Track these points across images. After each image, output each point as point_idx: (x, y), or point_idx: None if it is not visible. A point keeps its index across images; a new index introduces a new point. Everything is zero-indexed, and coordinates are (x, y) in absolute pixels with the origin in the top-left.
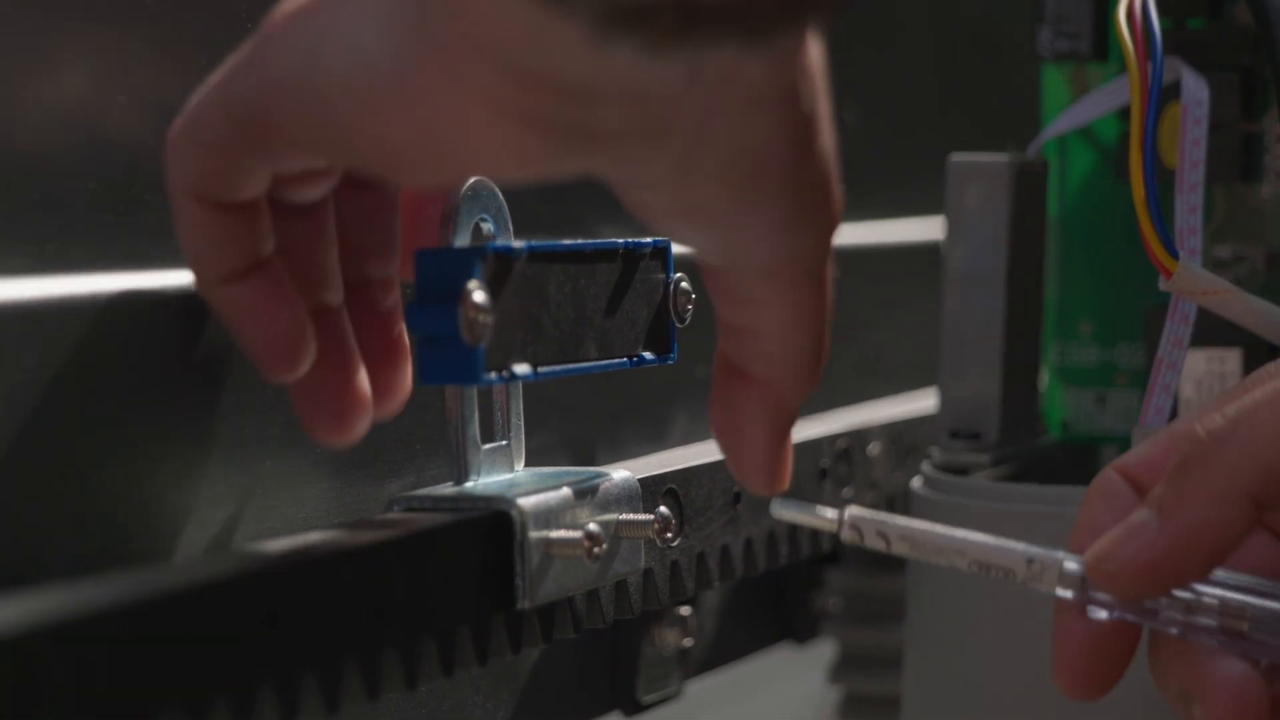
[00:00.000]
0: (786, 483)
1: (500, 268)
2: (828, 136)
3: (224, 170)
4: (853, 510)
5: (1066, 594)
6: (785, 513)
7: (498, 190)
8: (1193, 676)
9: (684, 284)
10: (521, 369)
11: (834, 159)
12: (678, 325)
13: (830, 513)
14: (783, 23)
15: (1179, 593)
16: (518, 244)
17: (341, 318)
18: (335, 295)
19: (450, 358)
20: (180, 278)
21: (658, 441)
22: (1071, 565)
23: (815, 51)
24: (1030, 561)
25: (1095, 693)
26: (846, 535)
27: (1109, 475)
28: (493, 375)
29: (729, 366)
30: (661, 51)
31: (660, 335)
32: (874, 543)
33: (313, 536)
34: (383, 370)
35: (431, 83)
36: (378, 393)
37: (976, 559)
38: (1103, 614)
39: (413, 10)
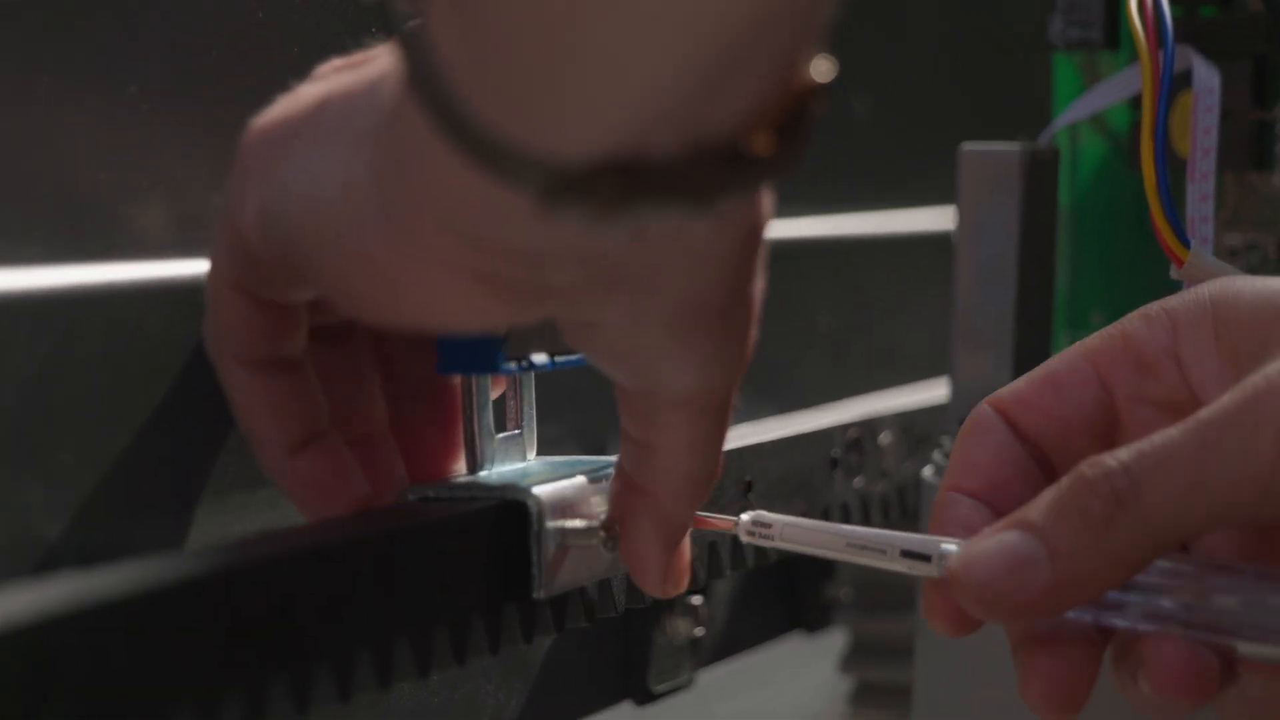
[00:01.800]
0: (682, 585)
1: None
2: (760, 281)
3: (254, 275)
4: (746, 515)
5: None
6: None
7: None
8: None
9: None
10: (539, 358)
11: (760, 299)
12: None
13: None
14: (725, 191)
15: None
16: None
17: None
18: (381, 424)
19: (469, 347)
20: (190, 267)
21: None
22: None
23: (766, 203)
24: (905, 554)
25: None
26: (745, 538)
27: (983, 409)
28: (511, 364)
29: (624, 476)
30: (606, 218)
31: None
32: (763, 543)
33: (327, 525)
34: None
35: (388, 243)
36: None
37: (857, 557)
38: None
39: (369, 174)
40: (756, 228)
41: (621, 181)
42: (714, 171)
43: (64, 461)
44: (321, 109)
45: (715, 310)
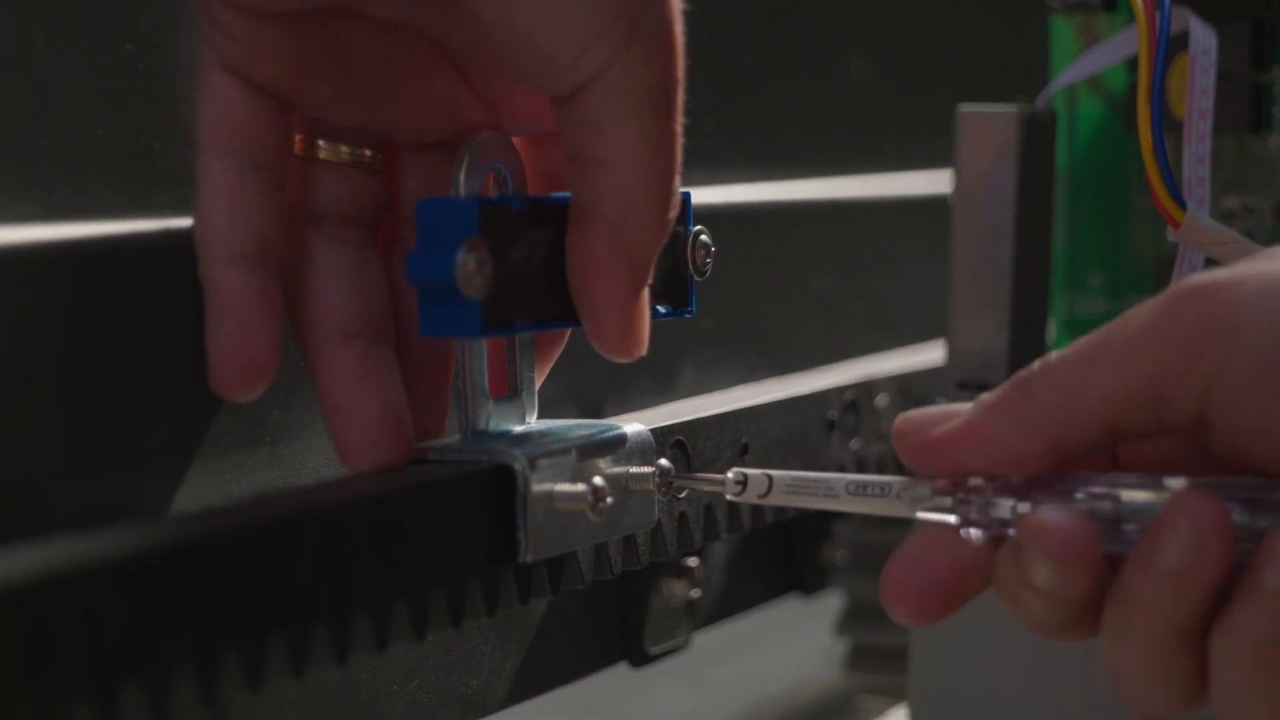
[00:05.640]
0: (644, 346)
1: (501, 218)
2: None
3: None
4: (735, 470)
5: (948, 519)
6: (679, 480)
7: (512, 140)
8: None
9: (704, 237)
10: (522, 322)
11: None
12: (696, 279)
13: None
14: None
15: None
16: (521, 196)
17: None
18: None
19: (449, 309)
20: (187, 222)
21: (666, 393)
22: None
23: None
24: (900, 495)
25: (930, 617)
26: (732, 494)
27: None
28: (494, 328)
29: (580, 215)
30: None
31: (677, 288)
32: (759, 501)
33: (323, 487)
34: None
35: None
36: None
37: (860, 505)
38: (976, 533)
39: None
40: None
41: None
42: None
43: (60, 420)
44: None
45: None
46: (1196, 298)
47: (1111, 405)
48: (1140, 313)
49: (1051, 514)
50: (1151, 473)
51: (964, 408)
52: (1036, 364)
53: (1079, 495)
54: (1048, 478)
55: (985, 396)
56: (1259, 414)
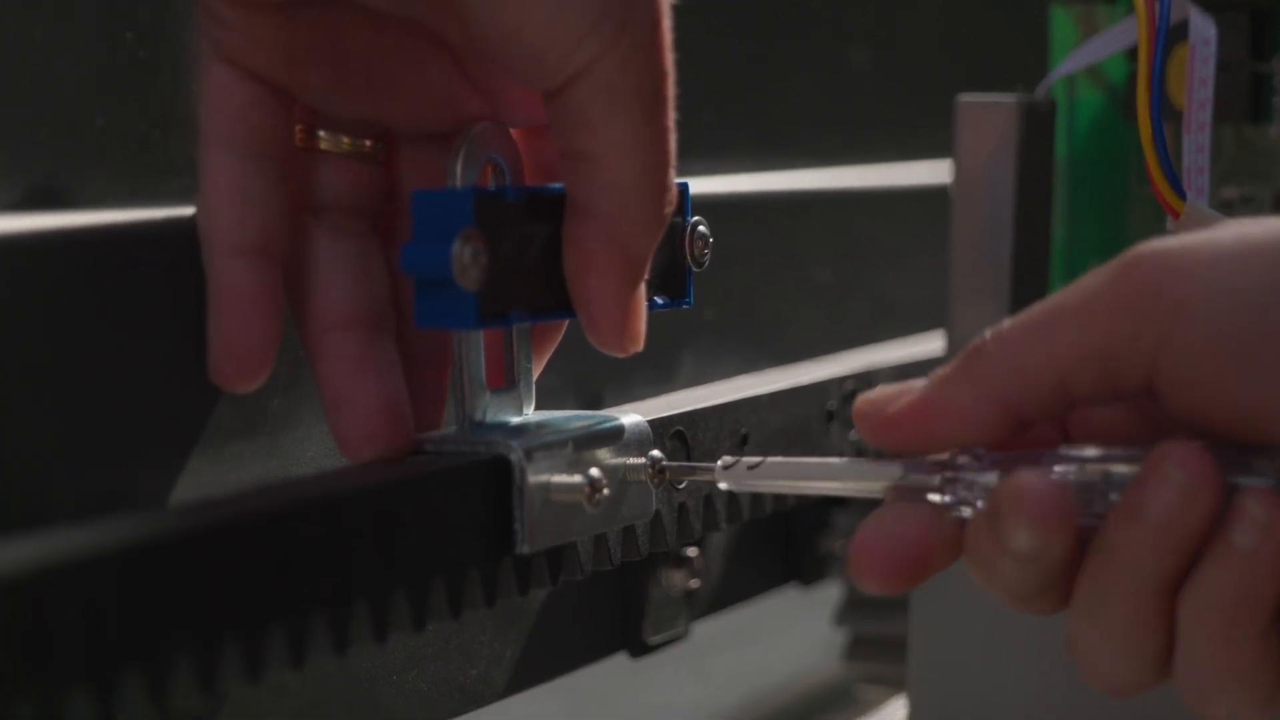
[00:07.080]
0: (640, 341)
1: (497, 210)
2: None
3: None
4: (726, 459)
5: (937, 498)
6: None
7: (510, 131)
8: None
9: (701, 228)
10: (518, 313)
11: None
12: (694, 270)
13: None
14: None
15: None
16: (518, 187)
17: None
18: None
19: (444, 301)
20: (188, 211)
21: (666, 384)
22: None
23: None
24: (902, 477)
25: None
26: (724, 484)
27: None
28: (489, 319)
29: (575, 210)
30: None
31: (675, 279)
32: (749, 486)
33: (322, 477)
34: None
35: None
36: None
37: (848, 486)
38: (967, 512)
39: None
40: None
41: None
42: None
43: (60, 410)
44: None
45: None
46: (1144, 265)
47: (1061, 368)
48: (1091, 278)
49: (1029, 478)
50: (1103, 442)
51: (920, 383)
52: (988, 331)
53: (1056, 469)
54: (1025, 454)
55: (940, 369)
56: (1206, 383)
